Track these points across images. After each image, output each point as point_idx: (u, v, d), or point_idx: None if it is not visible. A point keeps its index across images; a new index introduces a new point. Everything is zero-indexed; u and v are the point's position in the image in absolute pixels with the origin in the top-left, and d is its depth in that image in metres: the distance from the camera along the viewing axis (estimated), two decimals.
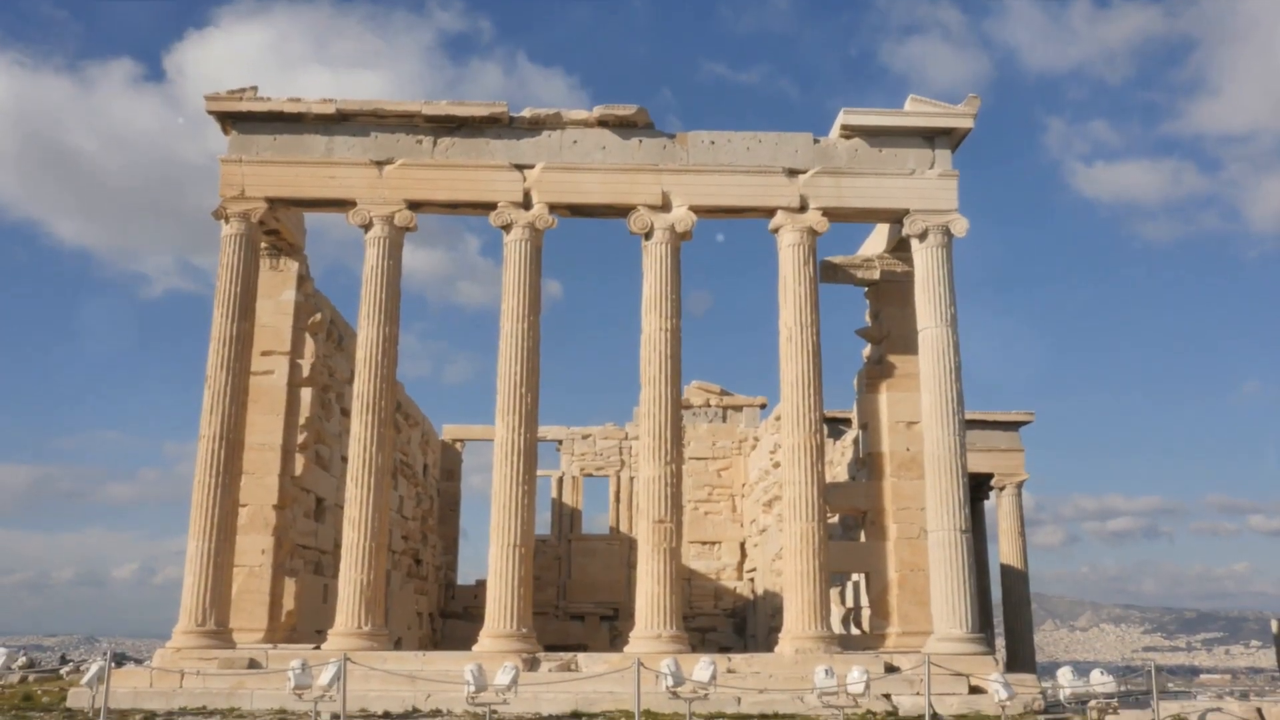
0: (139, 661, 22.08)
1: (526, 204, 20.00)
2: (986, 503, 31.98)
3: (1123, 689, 19.54)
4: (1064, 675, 18.36)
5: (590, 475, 39.34)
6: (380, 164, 20.07)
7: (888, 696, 17.19)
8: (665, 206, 20.04)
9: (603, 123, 20.28)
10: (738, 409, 38.63)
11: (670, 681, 16.05)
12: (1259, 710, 16.43)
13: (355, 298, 24.73)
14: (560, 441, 39.56)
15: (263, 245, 20.83)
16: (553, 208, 20.04)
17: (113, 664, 15.88)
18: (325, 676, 15.89)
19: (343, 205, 20.08)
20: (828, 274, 22.43)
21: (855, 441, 24.15)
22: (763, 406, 37.91)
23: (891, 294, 22.28)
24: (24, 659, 26.46)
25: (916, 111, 20.43)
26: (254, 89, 20.02)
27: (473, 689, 15.68)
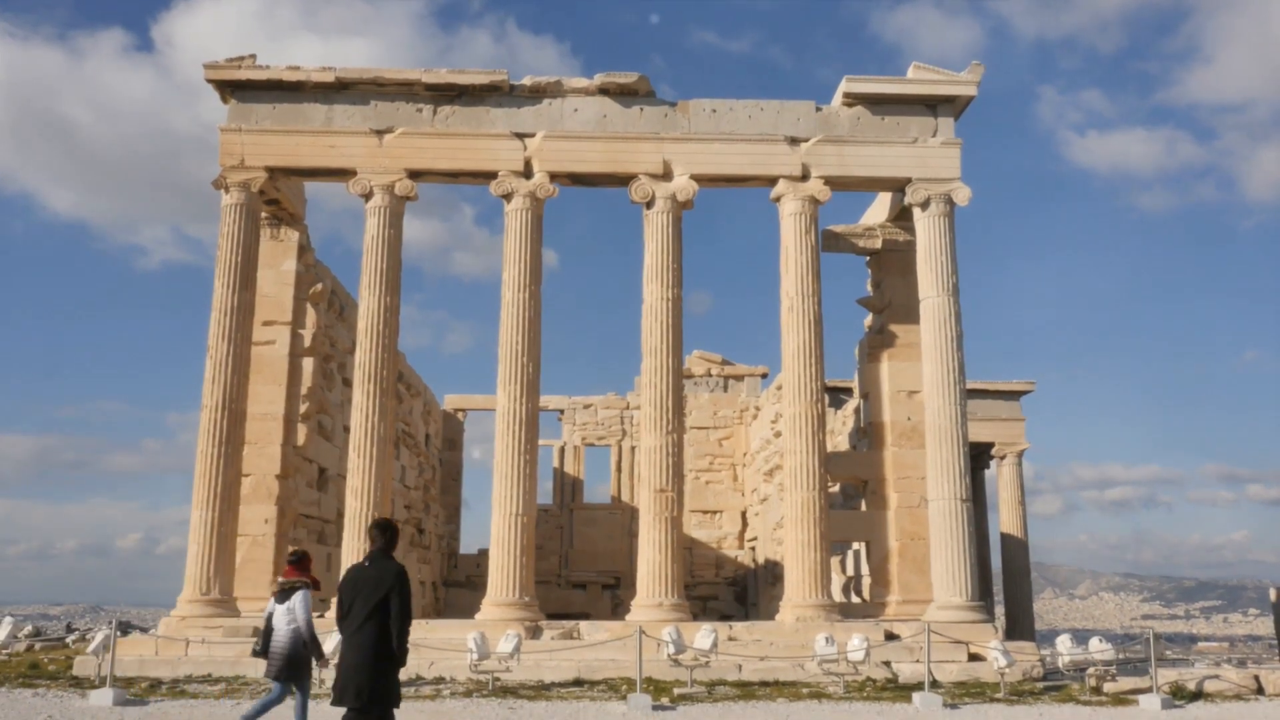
0: (144, 630, 22.26)
1: (527, 173, 19.92)
2: (987, 472, 32.04)
3: (1121, 657, 19.67)
4: (1063, 643, 18.50)
5: (592, 445, 39.40)
6: (380, 133, 19.97)
7: (888, 664, 17.30)
8: (666, 175, 19.95)
9: (603, 91, 20.15)
10: (739, 378, 38.63)
11: (672, 649, 16.16)
12: (1256, 677, 16.55)
13: (350, 268, 24.78)
14: (562, 411, 39.61)
15: (263, 215, 20.76)
16: (554, 176, 19.96)
17: (118, 632, 15.98)
18: (328, 645, 15.97)
19: (343, 174, 20.00)
20: (829, 243, 22.38)
21: (856, 411, 24.17)
22: (764, 376, 37.92)
23: (893, 263, 22.22)
24: (30, 628, 26.65)
25: (919, 79, 20.30)
26: (253, 57, 19.89)
27: (476, 657, 15.80)
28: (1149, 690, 15.43)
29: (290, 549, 11.08)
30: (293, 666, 10.13)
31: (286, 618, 10.21)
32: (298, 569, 10.51)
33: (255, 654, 10.42)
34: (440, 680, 16.48)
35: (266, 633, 10.29)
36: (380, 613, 7.61)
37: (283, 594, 10.32)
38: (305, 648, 10.17)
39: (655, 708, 14.12)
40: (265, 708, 10.33)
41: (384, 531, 7.95)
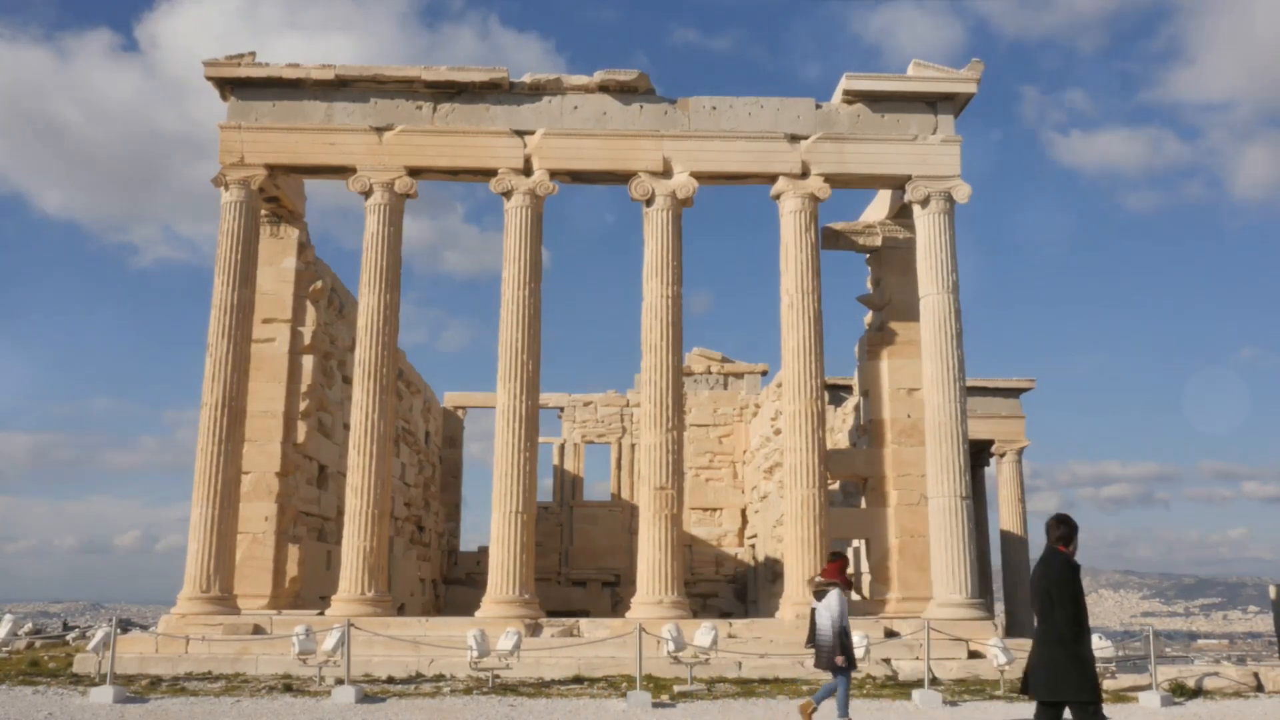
0: (144, 628, 22.24)
1: (527, 170, 19.91)
2: (987, 469, 32.02)
3: (1121, 654, 19.67)
4: None
5: (592, 442, 39.40)
6: (380, 130, 19.96)
7: (888, 661, 17.30)
8: (666, 173, 19.94)
9: (603, 88, 20.14)
10: (739, 376, 38.63)
11: (672, 647, 16.16)
12: (1256, 674, 16.56)
13: (343, 266, 24.76)
14: (562, 409, 39.59)
15: (263, 212, 20.76)
16: (553, 174, 19.95)
17: (118, 630, 15.97)
18: (329, 642, 16.01)
19: (343, 172, 20.00)
20: (829, 240, 22.37)
21: (856, 408, 24.17)
22: (764, 373, 37.91)
23: (893, 260, 22.22)
24: (30, 626, 26.66)
25: (919, 76, 20.29)
26: (252, 54, 19.88)
27: (476, 654, 15.80)
28: (1149, 687, 15.43)
29: (831, 550, 13.21)
30: (836, 657, 11.66)
31: (827, 614, 11.78)
32: (836, 569, 12.43)
33: (807, 646, 12.33)
34: (440, 678, 16.49)
35: (811, 627, 12.00)
36: (1049, 607, 7.67)
37: (819, 593, 11.93)
38: (847, 640, 11.72)
39: (655, 705, 14.12)
40: (829, 694, 11.84)
41: (1057, 524, 7.93)
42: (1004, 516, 31.11)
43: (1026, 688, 7.78)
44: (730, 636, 17.71)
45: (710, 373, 38.53)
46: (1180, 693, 15.67)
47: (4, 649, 19.86)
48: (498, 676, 15.90)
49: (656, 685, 15.49)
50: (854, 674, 16.40)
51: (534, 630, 17.99)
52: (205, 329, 19.34)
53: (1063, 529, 7.81)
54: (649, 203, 19.91)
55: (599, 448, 39.59)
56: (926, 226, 19.92)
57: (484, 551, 33.26)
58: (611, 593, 37.03)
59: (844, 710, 11.65)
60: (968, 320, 20.10)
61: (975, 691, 15.83)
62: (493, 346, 19.63)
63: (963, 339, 19.57)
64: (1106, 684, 16.32)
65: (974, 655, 17.58)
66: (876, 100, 20.25)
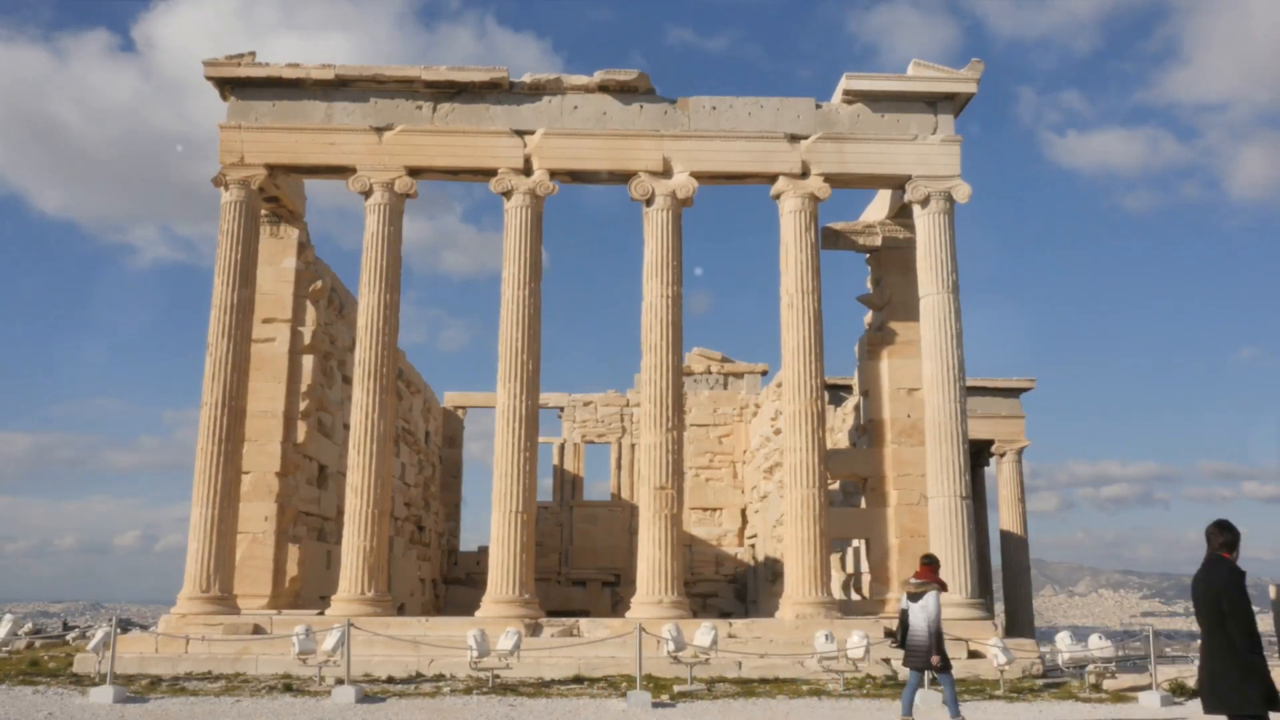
0: (144, 628, 22.25)
1: (527, 170, 19.91)
2: (987, 469, 32.01)
3: (1121, 654, 19.67)
4: (1063, 640, 18.47)
5: (592, 442, 39.40)
6: (380, 130, 19.96)
7: (887, 661, 17.30)
8: (666, 173, 19.94)
9: (603, 88, 20.14)
10: (739, 376, 38.64)
11: (672, 646, 16.16)
12: None
13: (342, 267, 24.77)
14: (562, 408, 39.60)
15: (263, 212, 20.76)
16: (553, 174, 19.95)
17: (118, 630, 15.96)
18: (329, 642, 16.01)
19: (343, 172, 20.00)
20: (829, 240, 22.37)
21: (856, 408, 24.18)
22: (764, 373, 37.92)
23: (893, 260, 22.23)
24: (30, 625, 26.67)
25: (919, 76, 20.29)
26: (252, 54, 19.88)
27: (476, 654, 15.80)
28: (1149, 687, 15.43)
29: (924, 553, 12.75)
30: (932, 657, 11.46)
31: (923, 615, 11.48)
32: (930, 571, 11.76)
33: (894, 646, 12.12)
34: (440, 677, 16.49)
35: (903, 628, 11.65)
36: (1217, 618, 7.36)
37: (914, 595, 11.62)
38: (941, 641, 11.47)
39: (655, 705, 14.11)
40: (913, 692, 11.83)
41: (1220, 530, 7.63)
42: (1004, 516, 31.10)
43: (1205, 706, 7.42)
44: (730, 636, 17.71)
45: (710, 373, 38.54)
46: (1180, 692, 15.66)
47: (4, 649, 19.86)
48: (498, 676, 15.90)
49: (656, 685, 15.49)
50: (853, 674, 16.50)
51: (534, 630, 18.00)
52: (205, 329, 19.35)
53: (1226, 535, 7.51)
54: (649, 203, 19.91)
55: (599, 448, 39.59)
56: (926, 226, 19.93)
57: (484, 551, 33.26)
58: (611, 593, 37.03)
59: (955, 710, 11.54)
60: (967, 319, 20.08)
61: (975, 691, 15.83)
62: (493, 346, 19.66)
63: (963, 338, 19.58)
64: (1106, 684, 16.32)
65: (974, 655, 17.58)
66: (876, 100, 20.25)
